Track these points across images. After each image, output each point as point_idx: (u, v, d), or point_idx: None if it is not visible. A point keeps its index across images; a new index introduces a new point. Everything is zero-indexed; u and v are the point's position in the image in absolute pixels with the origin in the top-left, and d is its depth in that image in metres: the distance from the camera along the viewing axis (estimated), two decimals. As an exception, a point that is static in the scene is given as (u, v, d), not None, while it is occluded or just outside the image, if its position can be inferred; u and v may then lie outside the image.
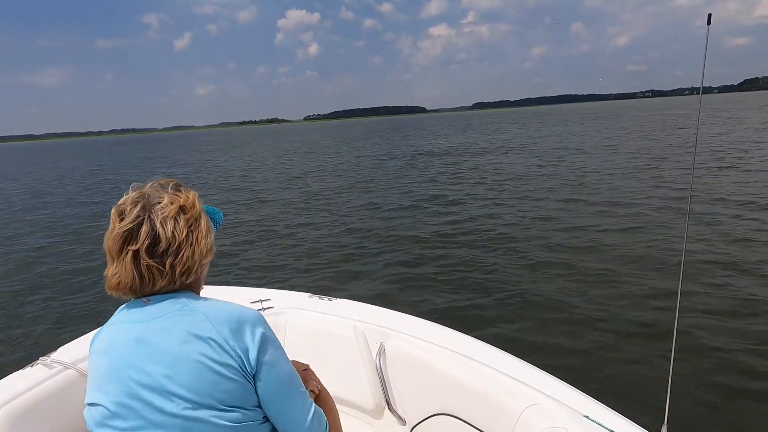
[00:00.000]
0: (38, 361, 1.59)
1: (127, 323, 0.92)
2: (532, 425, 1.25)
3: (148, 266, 0.90)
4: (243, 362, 0.90)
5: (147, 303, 0.93)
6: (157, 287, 0.92)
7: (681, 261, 1.54)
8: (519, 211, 7.94)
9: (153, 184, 0.98)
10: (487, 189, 10.36)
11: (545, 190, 9.70)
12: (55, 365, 1.56)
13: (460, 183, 11.50)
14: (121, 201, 0.94)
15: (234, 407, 0.89)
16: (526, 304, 4.22)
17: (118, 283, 0.91)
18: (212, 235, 1.01)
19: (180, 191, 0.98)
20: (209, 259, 1.01)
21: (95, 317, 4.55)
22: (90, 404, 0.91)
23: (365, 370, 1.77)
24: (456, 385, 1.52)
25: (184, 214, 0.94)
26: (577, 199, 8.51)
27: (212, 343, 0.88)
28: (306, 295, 2.17)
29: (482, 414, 1.43)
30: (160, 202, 0.93)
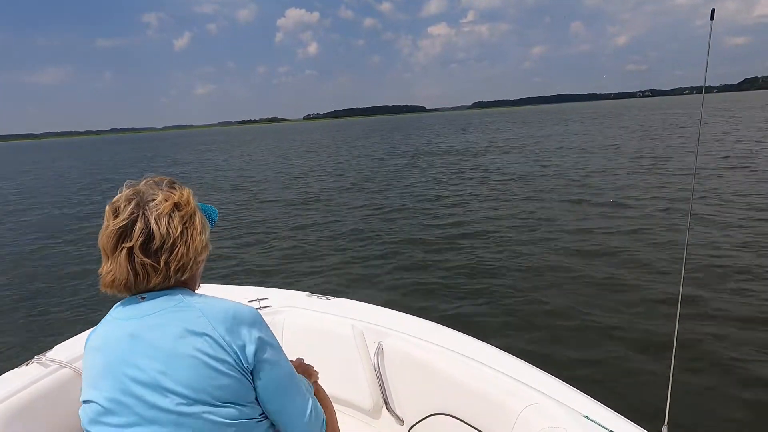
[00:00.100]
0: (33, 360, 1.58)
1: (121, 320, 0.92)
2: (531, 425, 1.24)
3: (142, 263, 0.90)
4: (239, 358, 0.89)
5: (142, 300, 0.92)
6: (152, 284, 0.92)
7: (682, 263, 1.53)
8: (523, 211, 7.88)
9: (147, 181, 0.98)
10: (491, 189, 10.30)
11: (549, 190, 9.64)
12: (51, 364, 1.56)
13: (463, 183, 11.46)
14: (115, 198, 0.94)
15: (229, 403, 0.88)
16: (526, 304, 4.21)
17: (113, 281, 0.91)
18: (207, 232, 1.01)
19: (174, 188, 0.97)
20: (204, 256, 1.00)
21: (91, 316, 4.55)
22: (85, 402, 0.90)
23: (363, 370, 1.76)
24: (454, 384, 1.51)
25: (179, 211, 0.94)
26: (582, 199, 8.45)
27: (208, 338, 0.88)
28: (304, 294, 2.16)
29: (481, 414, 1.42)
30: (154, 199, 0.92)
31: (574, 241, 5.94)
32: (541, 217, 7.36)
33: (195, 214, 0.97)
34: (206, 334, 0.88)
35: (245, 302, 2.01)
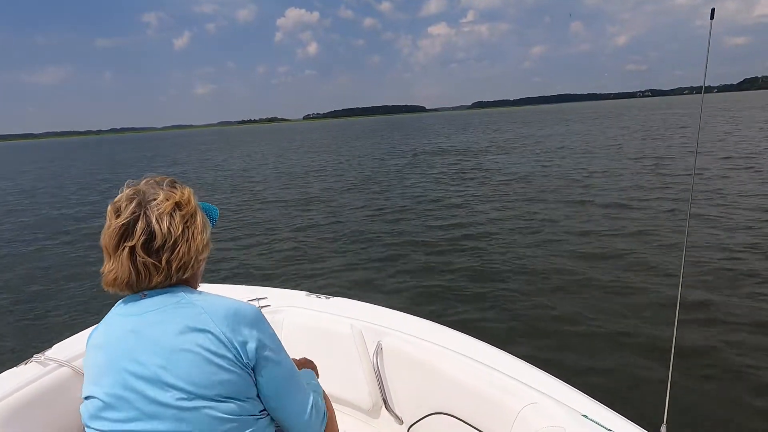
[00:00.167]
0: (32, 359, 1.58)
1: (123, 317, 0.93)
2: (530, 424, 1.24)
3: (144, 262, 0.90)
4: (240, 354, 0.90)
5: (143, 297, 0.93)
6: (154, 283, 0.93)
7: (681, 263, 1.53)
8: (526, 213, 7.84)
9: (148, 180, 0.98)
10: (493, 190, 10.26)
11: (551, 191, 9.59)
12: (50, 363, 1.55)
13: (464, 183, 11.41)
14: (116, 198, 0.95)
15: (229, 398, 0.89)
16: (531, 308, 4.18)
17: (115, 279, 0.92)
18: (208, 231, 1.01)
19: (175, 188, 0.98)
20: (206, 255, 1.01)
21: (90, 314, 4.53)
22: (86, 398, 0.91)
23: (362, 369, 1.76)
24: (453, 383, 1.51)
25: (180, 210, 0.95)
26: (585, 200, 8.42)
27: (209, 335, 0.88)
28: (303, 293, 2.16)
29: (480, 413, 1.42)
30: (155, 199, 0.93)
31: (578, 244, 5.91)
32: (545, 219, 7.32)
33: (196, 213, 0.98)
34: (208, 331, 0.89)
35: (244, 301, 2.01)
